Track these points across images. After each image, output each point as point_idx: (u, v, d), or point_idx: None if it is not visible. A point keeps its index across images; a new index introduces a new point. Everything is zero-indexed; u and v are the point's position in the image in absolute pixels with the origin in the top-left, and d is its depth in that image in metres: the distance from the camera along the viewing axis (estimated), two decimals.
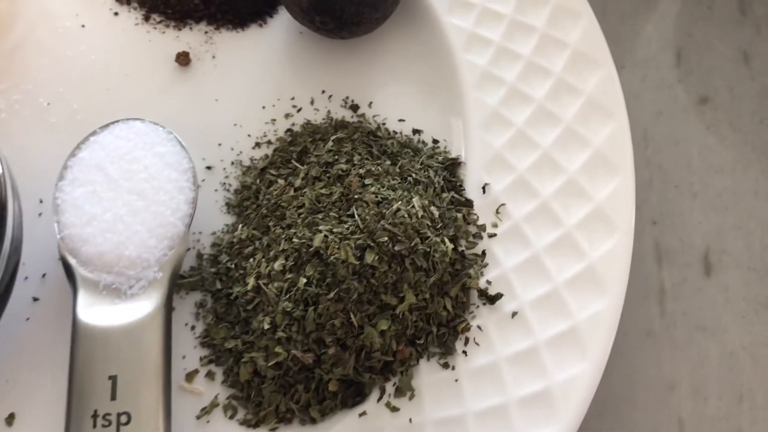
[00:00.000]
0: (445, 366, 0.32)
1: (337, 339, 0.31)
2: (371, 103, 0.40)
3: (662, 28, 0.48)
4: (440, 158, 0.37)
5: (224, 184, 0.38)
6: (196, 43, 0.41)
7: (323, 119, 0.39)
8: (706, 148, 0.43)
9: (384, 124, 0.39)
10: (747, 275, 0.40)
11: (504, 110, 0.38)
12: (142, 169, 0.33)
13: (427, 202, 0.34)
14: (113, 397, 0.29)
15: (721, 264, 0.40)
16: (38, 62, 0.40)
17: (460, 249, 0.34)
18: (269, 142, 0.39)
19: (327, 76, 0.41)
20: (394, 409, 0.31)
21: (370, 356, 0.31)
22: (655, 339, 0.38)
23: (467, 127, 0.38)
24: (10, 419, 0.31)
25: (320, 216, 0.33)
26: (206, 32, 0.42)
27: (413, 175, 0.35)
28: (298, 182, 0.35)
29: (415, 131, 0.39)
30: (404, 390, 0.31)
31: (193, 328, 0.34)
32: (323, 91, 0.40)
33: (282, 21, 0.43)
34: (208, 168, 0.38)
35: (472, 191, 0.37)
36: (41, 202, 0.36)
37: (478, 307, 0.33)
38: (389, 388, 0.32)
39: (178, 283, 0.34)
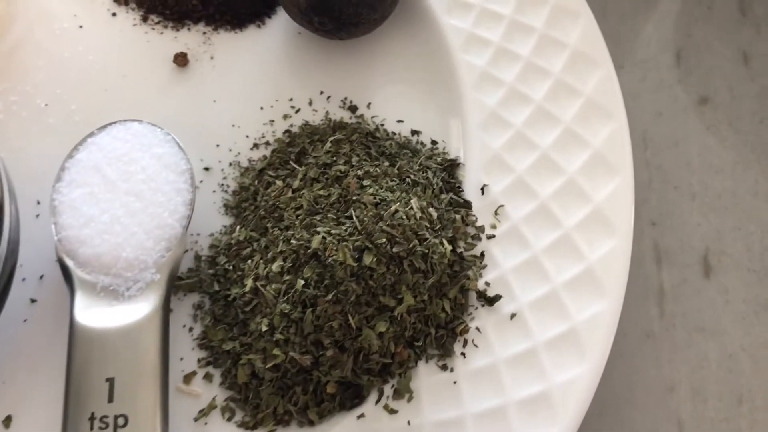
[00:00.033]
0: (444, 368, 0.32)
1: (335, 341, 0.31)
2: (370, 104, 0.40)
3: (662, 28, 0.47)
4: (439, 159, 0.37)
5: (222, 185, 0.37)
6: (194, 44, 0.41)
7: (321, 120, 0.39)
8: (706, 149, 0.43)
9: (382, 125, 0.39)
10: (747, 276, 0.40)
11: (503, 111, 0.38)
12: (140, 170, 0.33)
13: (425, 203, 0.34)
14: (110, 400, 0.29)
15: (721, 265, 0.40)
16: (36, 63, 0.40)
17: (458, 250, 0.34)
18: (267, 143, 0.39)
19: (325, 77, 0.41)
20: (393, 412, 0.31)
21: (368, 358, 0.31)
22: (655, 340, 0.38)
23: (466, 128, 0.38)
24: (7, 421, 0.31)
25: (318, 217, 0.33)
26: (204, 33, 0.42)
27: (412, 176, 0.35)
28: (296, 183, 0.35)
29: (414, 132, 0.39)
30: (402, 392, 0.31)
31: (190, 329, 0.34)
32: (321, 92, 0.40)
33: (280, 22, 0.43)
34: (206, 169, 0.38)
35: (470, 192, 0.36)
36: (39, 203, 0.36)
37: (476, 308, 0.33)
38: (387, 390, 0.32)
39: (175, 284, 0.34)
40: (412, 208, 0.33)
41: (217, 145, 0.38)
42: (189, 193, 0.34)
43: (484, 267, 0.34)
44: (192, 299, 0.34)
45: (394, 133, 0.39)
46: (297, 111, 0.40)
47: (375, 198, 0.33)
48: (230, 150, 0.38)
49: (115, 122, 0.35)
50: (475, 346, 0.32)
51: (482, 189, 0.36)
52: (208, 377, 0.33)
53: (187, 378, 0.33)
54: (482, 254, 0.35)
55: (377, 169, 0.35)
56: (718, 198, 0.42)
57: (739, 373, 0.37)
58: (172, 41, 0.41)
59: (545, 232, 0.34)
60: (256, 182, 0.37)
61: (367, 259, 0.31)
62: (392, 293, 0.31)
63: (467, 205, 0.36)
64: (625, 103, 0.37)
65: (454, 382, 0.31)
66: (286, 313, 0.31)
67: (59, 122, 0.38)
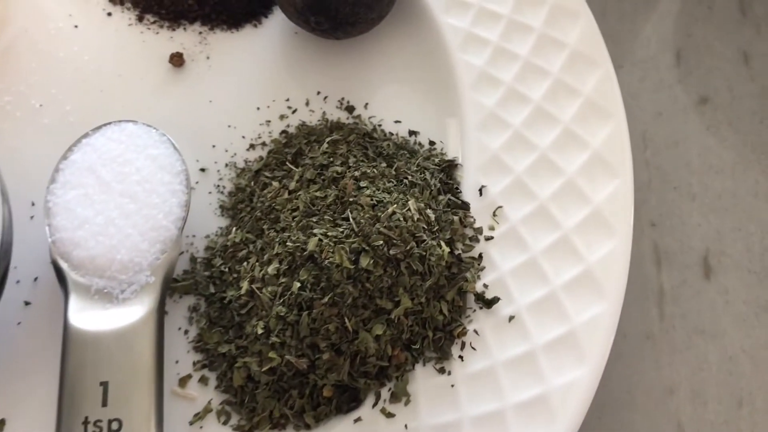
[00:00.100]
0: (441, 371, 0.32)
1: (332, 344, 0.31)
2: (367, 104, 0.40)
3: (662, 28, 0.47)
4: (437, 160, 0.37)
5: (218, 186, 0.37)
6: (190, 44, 0.41)
7: (318, 121, 0.39)
8: (706, 149, 0.43)
9: (380, 125, 0.39)
10: (747, 278, 0.39)
11: (501, 111, 0.38)
12: (135, 171, 0.33)
13: (423, 204, 0.34)
14: (104, 404, 0.29)
15: (721, 266, 0.40)
16: (31, 63, 0.40)
17: (456, 252, 0.34)
18: (264, 144, 0.38)
19: (322, 77, 0.40)
20: (390, 415, 0.31)
21: (365, 361, 0.31)
22: (654, 342, 0.38)
23: (464, 129, 0.38)
24: (0, 425, 0.31)
25: (315, 219, 0.32)
26: (200, 33, 0.42)
27: (409, 177, 0.35)
28: (292, 185, 0.35)
29: (412, 133, 0.39)
30: (400, 395, 0.31)
31: (186, 332, 0.33)
32: (318, 92, 0.40)
33: (277, 21, 0.42)
34: (202, 170, 0.38)
35: (468, 193, 0.36)
36: (33, 204, 0.36)
37: (474, 311, 0.33)
38: (384, 393, 0.31)
39: (171, 286, 0.34)
40: (409, 209, 0.33)
41: (213, 146, 0.38)
42: (184, 195, 0.33)
43: (482, 269, 0.34)
44: (187, 301, 0.34)
45: (391, 134, 0.39)
46: (294, 111, 0.40)
47: (372, 199, 0.33)
48: (226, 151, 0.38)
49: (109, 123, 0.35)
50: (473, 348, 0.32)
51: (480, 190, 0.36)
52: (203, 380, 0.32)
53: (183, 381, 0.32)
54: (480, 256, 0.34)
55: (374, 170, 0.35)
56: (718, 198, 0.42)
57: (740, 376, 0.37)
58: (168, 41, 0.41)
59: (544, 234, 0.34)
60: (252, 183, 0.36)
61: (364, 262, 0.30)
62: (389, 296, 0.31)
63: (465, 206, 0.36)
64: (624, 104, 0.37)
65: (452, 386, 0.31)
66: (282, 316, 0.30)
67: (54, 123, 0.38)
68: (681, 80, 0.45)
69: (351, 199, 0.33)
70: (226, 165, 0.38)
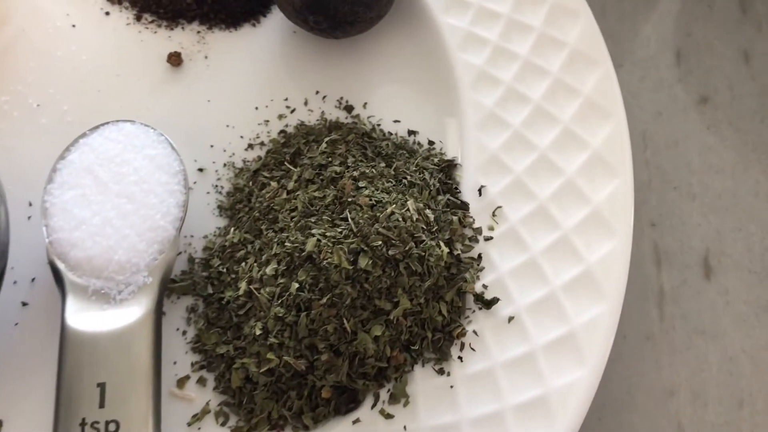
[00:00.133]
0: (441, 372, 0.31)
1: (330, 345, 0.30)
2: (366, 103, 0.40)
3: (662, 27, 0.47)
4: (436, 160, 0.37)
5: (216, 186, 0.37)
6: (189, 43, 0.41)
7: (317, 120, 0.39)
8: (706, 149, 0.43)
9: (379, 125, 0.39)
10: (747, 278, 0.39)
11: (500, 111, 0.38)
12: (132, 171, 0.33)
13: (422, 204, 0.33)
14: (102, 405, 0.29)
15: (721, 266, 0.40)
16: (28, 63, 0.39)
17: (455, 253, 0.34)
18: (262, 144, 0.38)
19: (321, 77, 0.40)
20: (389, 416, 0.31)
21: (363, 362, 0.31)
22: (655, 343, 0.38)
23: (463, 128, 0.38)
24: None
25: (313, 219, 0.32)
26: (198, 32, 0.41)
27: (408, 177, 0.35)
28: (291, 185, 0.35)
29: (411, 132, 0.39)
30: (399, 397, 0.31)
31: (184, 333, 0.33)
32: (317, 92, 0.40)
33: (275, 20, 0.42)
34: (200, 170, 0.37)
35: (468, 193, 0.36)
36: (30, 205, 0.35)
37: (473, 311, 0.33)
38: (383, 394, 0.31)
39: (169, 287, 0.34)
40: (408, 209, 0.32)
41: (211, 146, 0.38)
42: (182, 195, 0.33)
43: (482, 269, 0.34)
44: (185, 302, 0.34)
45: (390, 134, 0.38)
46: (292, 111, 0.39)
47: (371, 199, 0.32)
48: (224, 151, 0.38)
49: (107, 123, 0.34)
50: (472, 349, 0.32)
51: (480, 190, 0.36)
52: (201, 381, 0.32)
53: (181, 382, 0.32)
54: (479, 256, 0.34)
55: (373, 170, 0.34)
56: (718, 198, 0.41)
57: (740, 376, 0.37)
58: (166, 40, 0.41)
59: (543, 234, 0.34)
60: (250, 183, 0.36)
61: (363, 262, 0.30)
62: (388, 296, 0.31)
63: (464, 206, 0.36)
64: (624, 103, 0.36)
65: (451, 387, 0.31)
66: (281, 317, 0.30)
67: (51, 122, 0.38)
68: (681, 79, 0.45)
69: (350, 199, 0.33)
70: (225, 165, 0.38)
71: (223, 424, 0.31)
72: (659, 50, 0.46)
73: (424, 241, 0.32)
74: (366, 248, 0.31)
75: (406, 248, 0.31)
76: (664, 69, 0.45)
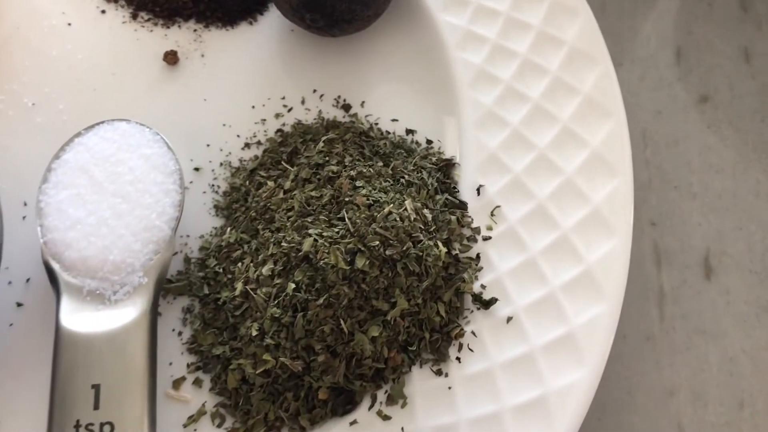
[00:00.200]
0: (438, 373, 0.31)
1: (327, 346, 0.30)
2: (363, 102, 0.39)
3: (662, 25, 0.47)
4: (434, 159, 0.37)
5: (213, 185, 0.37)
6: (185, 42, 0.41)
7: (314, 119, 0.39)
8: (706, 148, 0.43)
9: (376, 124, 0.38)
10: (748, 278, 0.39)
11: (499, 109, 0.37)
12: (127, 171, 0.32)
13: (420, 204, 0.33)
14: (96, 406, 0.28)
15: (722, 266, 0.39)
16: (24, 61, 0.39)
17: (453, 252, 0.33)
18: (259, 143, 0.38)
19: (318, 75, 0.40)
20: (386, 418, 0.30)
21: (360, 363, 0.30)
22: (655, 343, 0.37)
23: (462, 127, 0.37)
24: None
25: (310, 219, 0.32)
26: (195, 30, 0.41)
27: (406, 176, 0.35)
28: (287, 184, 0.34)
29: (409, 131, 0.38)
30: (396, 398, 0.31)
31: (180, 333, 0.33)
32: (314, 91, 0.40)
33: (272, 19, 0.42)
34: (196, 169, 0.37)
35: (466, 193, 0.36)
36: (25, 204, 0.35)
37: (472, 312, 0.33)
38: (381, 395, 0.31)
39: (164, 287, 0.33)
40: (406, 209, 0.32)
41: (208, 145, 0.38)
42: (178, 195, 0.33)
43: (480, 269, 0.33)
44: (181, 303, 0.34)
45: (388, 133, 0.38)
46: (289, 110, 0.39)
47: (368, 199, 0.32)
48: (221, 150, 0.38)
49: (102, 122, 0.34)
50: (471, 350, 0.32)
51: (478, 189, 0.36)
52: (197, 382, 0.32)
53: (176, 383, 0.32)
54: (478, 256, 0.34)
55: (371, 169, 0.34)
56: (718, 198, 0.41)
57: (740, 377, 0.37)
58: (162, 39, 0.41)
59: (542, 234, 0.34)
60: (247, 183, 0.36)
61: (360, 262, 0.30)
62: (385, 297, 0.31)
63: (463, 206, 0.35)
64: (624, 102, 0.36)
65: (449, 388, 0.31)
66: (277, 318, 0.30)
67: (47, 122, 0.38)
68: (681, 78, 0.45)
69: (347, 199, 0.32)
70: (221, 164, 0.37)
71: (219, 426, 0.31)
72: (659, 49, 0.46)
73: (421, 240, 0.32)
74: (363, 248, 0.30)
75: (404, 248, 0.31)
76: (664, 68, 0.45)
